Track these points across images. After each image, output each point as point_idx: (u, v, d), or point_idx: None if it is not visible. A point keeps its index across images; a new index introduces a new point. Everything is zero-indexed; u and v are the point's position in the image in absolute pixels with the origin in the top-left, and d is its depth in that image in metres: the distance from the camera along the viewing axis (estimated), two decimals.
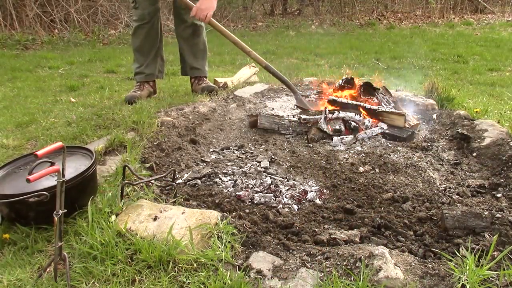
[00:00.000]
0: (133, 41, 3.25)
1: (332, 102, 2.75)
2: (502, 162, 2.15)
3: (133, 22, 3.20)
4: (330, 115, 2.59)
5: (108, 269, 1.32)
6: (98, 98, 3.42)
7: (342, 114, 2.60)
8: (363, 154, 2.36)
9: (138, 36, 3.17)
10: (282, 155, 2.35)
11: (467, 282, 1.23)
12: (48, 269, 1.34)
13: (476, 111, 2.89)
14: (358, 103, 2.72)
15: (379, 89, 2.95)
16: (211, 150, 2.46)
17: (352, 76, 3.04)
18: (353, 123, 2.59)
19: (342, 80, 3.01)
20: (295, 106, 3.07)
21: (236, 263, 1.35)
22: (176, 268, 1.33)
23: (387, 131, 2.57)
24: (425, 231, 1.62)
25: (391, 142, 2.52)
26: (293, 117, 2.79)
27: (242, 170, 2.13)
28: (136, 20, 3.15)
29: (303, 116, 2.62)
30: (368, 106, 2.68)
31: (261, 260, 1.35)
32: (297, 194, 1.93)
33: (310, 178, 2.10)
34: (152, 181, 1.84)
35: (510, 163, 2.11)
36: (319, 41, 7.23)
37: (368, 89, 2.90)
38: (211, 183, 2.01)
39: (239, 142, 2.54)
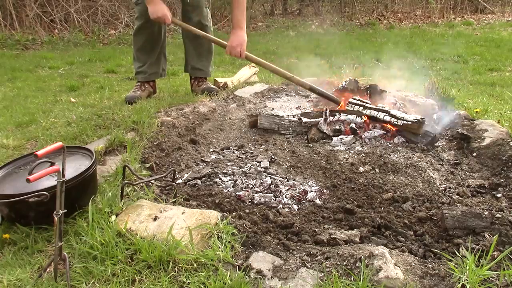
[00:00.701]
0: (135, 40, 3.19)
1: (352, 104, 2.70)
2: (502, 162, 2.15)
3: (135, 20, 3.13)
4: (331, 118, 2.59)
5: (108, 269, 1.32)
6: (98, 98, 3.42)
7: (343, 116, 2.60)
8: (363, 154, 2.36)
9: (140, 35, 3.12)
10: (282, 155, 2.35)
11: (467, 282, 1.23)
12: (48, 269, 1.34)
13: (476, 111, 2.89)
14: (374, 113, 2.62)
15: (386, 91, 2.95)
16: (211, 150, 2.46)
17: (356, 78, 3.03)
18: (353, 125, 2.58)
19: (345, 81, 3.00)
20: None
21: (236, 263, 1.35)
22: (176, 268, 1.33)
23: (408, 136, 2.49)
24: (425, 231, 1.62)
25: (391, 142, 2.52)
26: (293, 117, 2.79)
27: (242, 170, 2.13)
28: (139, 17, 3.07)
29: (304, 119, 2.61)
30: (381, 116, 2.56)
31: (261, 260, 1.35)
32: (297, 194, 1.93)
33: (310, 178, 2.10)
34: (152, 181, 1.84)
35: (510, 163, 2.11)
36: (319, 41, 7.22)
37: (375, 91, 2.90)
38: (211, 183, 2.01)
39: (239, 142, 2.54)
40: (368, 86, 2.94)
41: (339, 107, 2.89)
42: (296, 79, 2.91)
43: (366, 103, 2.65)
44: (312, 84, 2.93)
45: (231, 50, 2.85)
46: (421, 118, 2.45)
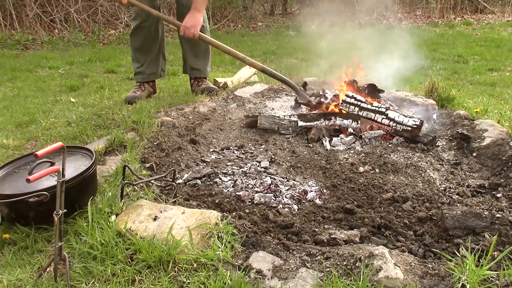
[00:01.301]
0: (132, 40, 3.20)
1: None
2: (502, 162, 2.15)
3: (132, 21, 3.17)
4: (327, 122, 2.59)
5: (108, 269, 1.32)
6: (98, 98, 3.42)
7: (338, 121, 2.59)
8: (363, 154, 2.36)
9: (137, 35, 3.14)
10: (282, 155, 2.35)
11: (467, 282, 1.23)
12: (48, 269, 1.34)
13: (476, 111, 2.89)
14: (371, 115, 2.61)
15: (383, 91, 2.94)
16: (211, 150, 2.46)
17: (354, 79, 3.03)
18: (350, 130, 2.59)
19: (344, 82, 3.00)
20: (296, 105, 3.05)
21: (236, 263, 1.35)
22: (176, 268, 1.33)
23: (408, 136, 2.48)
24: (425, 231, 1.62)
25: (391, 142, 2.52)
26: (294, 117, 2.79)
27: (242, 170, 2.13)
28: (135, 18, 3.11)
29: (300, 123, 2.61)
30: (379, 119, 2.55)
31: (261, 260, 1.35)
32: (297, 194, 1.93)
33: (310, 178, 2.10)
34: (152, 181, 1.84)
35: (510, 163, 2.11)
36: (319, 41, 7.21)
37: (373, 91, 2.90)
38: (211, 183, 2.01)
39: (239, 142, 2.54)
40: (366, 85, 2.93)
41: (331, 107, 2.89)
42: (248, 59, 2.93)
43: (361, 101, 2.64)
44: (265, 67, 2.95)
45: (185, 30, 2.86)
46: (420, 122, 2.45)
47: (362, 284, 1.23)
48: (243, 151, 2.40)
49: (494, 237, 1.45)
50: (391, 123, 2.50)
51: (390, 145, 2.48)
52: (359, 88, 2.95)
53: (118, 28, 7.53)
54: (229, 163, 2.23)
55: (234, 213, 1.70)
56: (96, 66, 5.20)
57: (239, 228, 1.53)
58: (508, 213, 1.70)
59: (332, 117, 2.62)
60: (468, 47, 6.56)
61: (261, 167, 2.16)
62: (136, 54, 3.22)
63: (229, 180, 2.04)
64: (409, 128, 2.45)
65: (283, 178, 2.07)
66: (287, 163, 2.24)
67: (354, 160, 2.27)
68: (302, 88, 3.05)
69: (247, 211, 1.74)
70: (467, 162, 2.29)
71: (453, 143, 2.49)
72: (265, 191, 1.93)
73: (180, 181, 2.03)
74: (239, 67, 4.51)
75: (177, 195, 1.81)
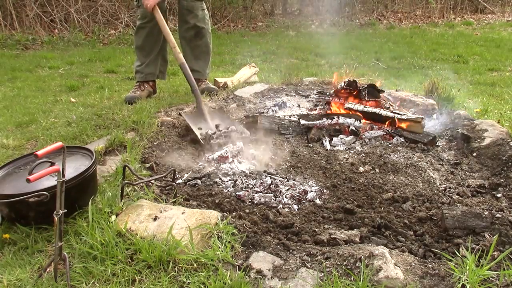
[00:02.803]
0: (135, 40, 3.27)
1: (348, 109, 2.73)
2: (502, 162, 2.15)
3: (137, 21, 3.22)
4: (329, 121, 2.59)
5: (108, 269, 1.32)
6: (98, 98, 3.42)
7: (341, 120, 2.60)
8: (363, 154, 2.36)
9: (140, 35, 3.18)
10: (282, 155, 2.34)
11: (467, 282, 1.23)
12: (48, 269, 1.34)
13: (476, 111, 2.89)
14: (374, 110, 2.66)
15: (383, 91, 2.95)
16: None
17: (354, 79, 3.03)
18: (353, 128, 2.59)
19: (344, 82, 3.00)
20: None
21: (236, 263, 1.35)
22: (176, 268, 1.33)
23: (408, 136, 2.51)
24: (425, 231, 1.62)
25: (391, 142, 2.52)
26: (295, 117, 2.79)
27: (242, 170, 2.13)
28: (139, 18, 3.16)
29: (302, 122, 2.61)
30: (384, 113, 2.61)
31: (261, 260, 1.35)
32: (297, 194, 1.93)
33: (310, 178, 2.10)
34: (152, 181, 1.84)
35: (510, 163, 2.11)
36: (319, 41, 7.22)
37: (372, 91, 2.90)
38: (211, 183, 2.01)
39: None
40: (366, 86, 2.93)
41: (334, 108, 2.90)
42: (175, 51, 2.87)
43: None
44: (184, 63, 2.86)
45: (144, 0, 2.85)
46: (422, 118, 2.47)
47: (362, 284, 1.23)
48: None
49: (494, 237, 1.45)
50: (396, 115, 2.54)
51: (390, 145, 2.48)
52: (359, 88, 2.95)
53: (118, 28, 7.53)
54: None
55: (234, 213, 1.70)
56: (96, 66, 5.20)
57: (239, 228, 1.53)
58: (508, 213, 1.70)
59: (335, 117, 2.62)
60: (468, 47, 6.56)
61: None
62: (137, 52, 3.27)
63: (229, 180, 2.04)
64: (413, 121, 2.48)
65: (283, 178, 2.07)
66: (287, 163, 2.24)
67: (354, 160, 2.27)
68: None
69: (247, 211, 1.74)
70: (467, 162, 2.29)
71: (453, 143, 2.49)
72: (265, 191, 1.93)
73: (180, 181, 2.03)
74: (239, 67, 4.51)
75: (177, 195, 1.81)
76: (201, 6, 3.19)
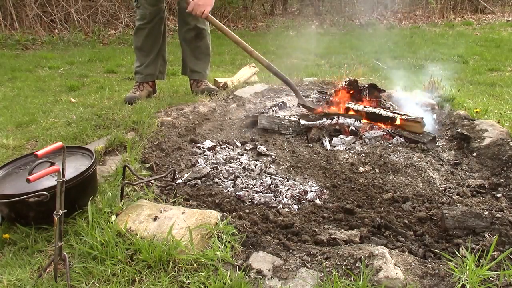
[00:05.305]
0: (134, 40, 3.26)
1: (347, 109, 2.74)
2: (502, 162, 2.15)
3: (136, 21, 3.22)
4: (329, 121, 2.59)
5: (108, 269, 1.32)
6: (98, 98, 3.42)
7: (341, 120, 2.60)
8: (363, 154, 2.36)
9: (139, 36, 3.18)
10: (282, 155, 2.35)
11: (467, 282, 1.23)
12: (48, 269, 1.34)
13: (476, 111, 2.88)
14: (374, 110, 2.66)
15: (384, 91, 2.95)
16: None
17: (355, 78, 3.04)
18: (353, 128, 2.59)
19: (345, 82, 3.00)
20: (299, 105, 3.05)
21: (236, 263, 1.35)
22: (176, 268, 1.33)
23: (408, 136, 2.50)
24: (425, 231, 1.62)
25: (391, 142, 2.52)
26: (294, 117, 2.79)
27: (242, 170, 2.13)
28: (138, 19, 3.16)
29: (302, 122, 2.61)
30: (384, 113, 2.61)
31: (261, 260, 1.35)
32: (297, 194, 1.93)
33: (310, 178, 2.10)
34: (152, 181, 1.84)
35: (510, 163, 2.11)
36: (319, 41, 7.22)
37: (373, 91, 2.90)
38: (211, 183, 2.01)
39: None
40: (366, 86, 2.93)
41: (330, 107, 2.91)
42: (256, 54, 2.93)
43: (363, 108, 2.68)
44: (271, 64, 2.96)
45: (194, 7, 2.83)
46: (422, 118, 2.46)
47: (362, 284, 1.23)
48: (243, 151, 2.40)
49: (494, 237, 1.45)
50: (396, 115, 2.55)
51: (390, 145, 2.48)
52: (359, 87, 2.95)
53: (118, 28, 7.53)
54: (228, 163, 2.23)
55: (234, 213, 1.70)
56: (96, 66, 5.20)
57: (239, 228, 1.53)
58: (508, 213, 1.70)
59: (335, 117, 2.62)
60: (468, 47, 6.56)
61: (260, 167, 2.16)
62: (137, 52, 3.27)
63: (229, 180, 2.04)
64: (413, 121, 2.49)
65: (283, 178, 2.07)
66: (287, 163, 2.24)
67: (354, 160, 2.27)
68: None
69: (247, 211, 1.74)
70: (467, 162, 2.29)
71: (453, 143, 2.49)
72: (265, 191, 1.93)
73: (180, 181, 2.03)
74: (239, 67, 4.51)
75: (177, 195, 1.81)
76: None
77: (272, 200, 1.86)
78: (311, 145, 2.49)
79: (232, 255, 1.38)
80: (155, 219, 1.52)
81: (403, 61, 5.63)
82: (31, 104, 3.36)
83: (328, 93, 3.17)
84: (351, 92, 2.96)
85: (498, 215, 1.65)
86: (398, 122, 2.57)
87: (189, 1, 2.89)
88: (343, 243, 1.51)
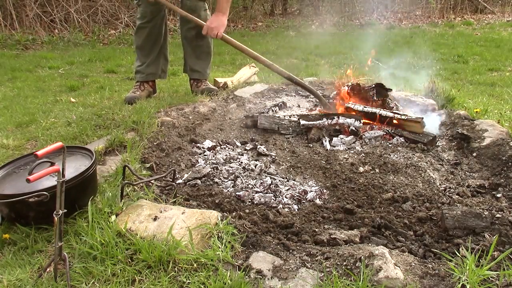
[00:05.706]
0: (135, 39, 3.26)
1: (348, 109, 2.74)
2: (502, 162, 2.15)
3: (137, 20, 3.21)
4: (329, 121, 2.59)
5: (108, 269, 1.32)
6: (98, 98, 3.42)
7: (341, 120, 2.60)
8: (363, 154, 2.36)
9: (139, 35, 3.17)
10: (282, 155, 2.35)
11: (467, 282, 1.23)
12: (48, 269, 1.34)
13: (476, 111, 2.88)
14: (374, 110, 2.66)
15: (391, 90, 2.95)
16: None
17: (358, 82, 3.04)
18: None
19: (348, 86, 3.00)
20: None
21: (236, 263, 1.35)
22: (176, 268, 1.33)
23: (408, 136, 2.50)
24: (425, 231, 1.62)
25: (391, 142, 2.52)
26: (295, 117, 2.79)
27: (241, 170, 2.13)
28: (139, 18, 3.15)
29: (302, 122, 2.61)
30: (384, 113, 2.61)
31: (261, 260, 1.35)
32: (297, 194, 1.93)
33: (310, 178, 2.10)
34: (152, 181, 1.84)
35: (510, 163, 2.11)
36: (319, 41, 7.22)
37: (380, 90, 2.89)
38: (211, 183, 2.01)
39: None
40: (373, 85, 2.93)
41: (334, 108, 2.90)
42: (275, 67, 2.98)
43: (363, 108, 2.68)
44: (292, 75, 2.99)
45: (208, 30, 2.93)
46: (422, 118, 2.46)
47: (362, 284, 1.23)
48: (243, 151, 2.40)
49: (494, 237, 1.45)
50: (396, 115, 2.55)
51: (390, 145, 2.48)
52: (366, 87, 2.95)
53: (118, 28, 7.53)
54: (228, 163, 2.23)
55: (234, 213, 1.70)
56: (96, 66, 5.20)
57: (239, 228, 1.53)
58: (508, 213, 1.70)
59: (335, 117, 2.62)
60: (468, 47, 6.56)
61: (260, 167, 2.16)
62: (138, 52, 3.26)
63: (229, 180, 2.04)
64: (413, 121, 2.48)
65: (283, 178, 2.07)
66: (287, 163, 2.24)
67: (354, 160, 2.27)
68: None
69: (247, 211, 1.74)
70: (467, 162, 2.29)
71: (453, 143, 2.49)
72: (265, 191, 1.93)
73: (180, 181, 2.03)
74: (239, 67, 4.51)
75: (177, 195, 1.81)
76: (204, 6, 3.18)
77: (272, 200, 1.86)
78: (311, 145, 2.49)
79: (232, 255, 1.38)
80: (155, 219, 1.52)
81: (403, 61, 5.63)
82: (31, 104, 3.36)
83: (329, 95, 3.17)
84: (358, 92, 2.95)
85: (498, 215, 1.65)
86: (396, 122, 2.57)
87: (201, 23, 2.96)
88: (343, 243, 1.51)
